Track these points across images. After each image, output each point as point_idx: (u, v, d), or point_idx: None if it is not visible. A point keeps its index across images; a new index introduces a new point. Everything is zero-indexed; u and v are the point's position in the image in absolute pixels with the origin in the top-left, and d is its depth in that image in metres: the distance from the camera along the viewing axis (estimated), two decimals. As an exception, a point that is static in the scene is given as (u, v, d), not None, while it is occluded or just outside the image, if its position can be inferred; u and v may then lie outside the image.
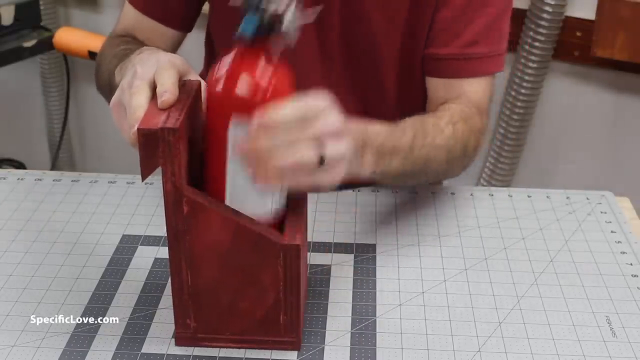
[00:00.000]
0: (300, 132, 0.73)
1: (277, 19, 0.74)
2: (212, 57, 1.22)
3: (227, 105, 0.76)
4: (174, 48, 1.18)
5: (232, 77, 0.75)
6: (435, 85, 1.12)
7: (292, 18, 0.74)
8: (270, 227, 0.80)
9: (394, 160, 0.93)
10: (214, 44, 1.20)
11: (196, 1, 1.16)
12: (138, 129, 0.74)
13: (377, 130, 0.91)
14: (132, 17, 1.16)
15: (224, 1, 1.08)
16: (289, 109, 0.74)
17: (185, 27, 1.17)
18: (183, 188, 0.76)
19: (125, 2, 1.17)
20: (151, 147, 0.75)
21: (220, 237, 0.78)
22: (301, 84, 1.11)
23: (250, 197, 0.79)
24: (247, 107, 0.75)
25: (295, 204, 0.84)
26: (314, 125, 0.74)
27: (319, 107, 0.75)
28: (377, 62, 1.12)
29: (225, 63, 0.77)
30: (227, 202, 0.78)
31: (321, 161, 0.75)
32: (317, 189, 0.78)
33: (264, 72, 0.76)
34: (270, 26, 0.74)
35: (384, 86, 1.14)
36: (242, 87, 0.75)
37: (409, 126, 0.98)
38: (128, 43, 1.09)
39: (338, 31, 1.09)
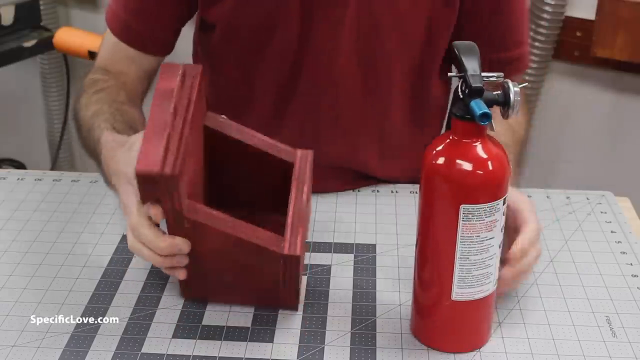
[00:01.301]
0: (534, 258, 0.88)
1: (504, 93, 0.76)
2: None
3: (458, 192, 0.75)
4: (148, 77, 1.16)
5: (463, 163, 0.75)
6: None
7: (515, 89, 0.75)
8: (272, 235, 0.81)
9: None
10: (215, 58, 1.15)
11: (178, 23, 1.14)
12: (136, 170, 0.74)
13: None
14: (109, 48, 1.15)
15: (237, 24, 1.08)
16: (530, 247, 0.86)
17: (165, 51, 1.15)
18: (183, 211, 0.77)
19: (105, 32, 1.15)
20: (150, 186, 0.75)
21: (222, 246, 0.80)
22: (313, 104, 1.11)
23: (476, 278, 0.79)
24: (479, 192, 0.75)
25: (298, 211, 0.83)
26: (537, 248, 0.88)
27: (537, 232, 0.88)
28: (388, 79, 1.11)
29: (447, 147, 0.76)
30: (454, 283, 0.79)
31: None
32: None
33: (489, 153, 0.76)
34: (496, 102, 0.76)
35: (392, 101, 1.14)
36: (475, 173, 0.75)
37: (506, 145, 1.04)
38: (99, 104, 1.07)
39: (351, 51, 1.08)
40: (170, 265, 0.83)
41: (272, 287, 0.85)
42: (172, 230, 0.79)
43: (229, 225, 0.79)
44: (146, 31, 1.12)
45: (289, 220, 0.82)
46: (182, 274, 0.84)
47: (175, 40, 1.15)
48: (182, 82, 0.79)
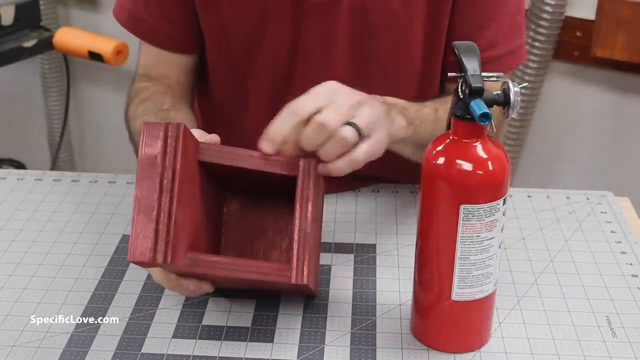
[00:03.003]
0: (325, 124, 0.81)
1: (505, 93, 0.75)
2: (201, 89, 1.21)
3: (458, 192, 0.75)
4: (187, 74, 1.15)
5: (463, 163, 0.75)
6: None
7: (515, 89, 0.75)
8: (279, 265, 0.82)
9: (423, 124, 0.96)
10: (208, 63, 1.15)
11: (193, 20, 1.11)
12: (129, 259, 0.74)
13: (394, 99, 0.95)
14: (145, 53, 1.15)
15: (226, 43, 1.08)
16: (303, 106, 0.82)
17: (189, 49, 1.13)
18: (184, 268, 0.77)
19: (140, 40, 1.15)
20: (146, 266, 0.78)
21: (230, 279, 0.81)
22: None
23: (476, 278, 0.79)
24: (479, 192, 0.75)
25: (303, 234, 0.83)
26: (331, 110, 0.82)
27: (328, 91, 0.83)
28: (384, 82, 1.10)
29: (447, 147, 0.76)
30: (454, 283, 0.79)
31: (359, 132, 0.83)
32: (373, 156, 0.85)
33: (489, 153, 0.76)
34: (496, 102, 0.76)
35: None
36: (475, 173, 0.75)
37: (429, 102, 1.02)
38: (146, 106, 1.08)
39: (345, 55, 1.08)
40: (185, 294, 0.87)
41: (287, 289, 0.87)
42: (180, 273, 0.81)
43: (232, 269, 0.79)
44: (168, 29, 1.10)
45: (295, 245, 0.81)
46: (197, 295, 0.86)
47: (199, 36, 1.13)
48: (164, 147, 0.77)
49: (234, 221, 0.91)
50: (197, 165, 0.83)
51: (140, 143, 0.77)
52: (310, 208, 0.83)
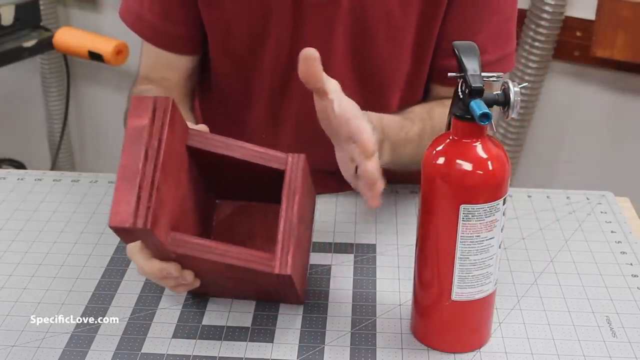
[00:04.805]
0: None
1: (505, 93, 0.75)
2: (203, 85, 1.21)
3: (458, 192, 0.75)
4: (189, 77, 1.15)
5: (463, 163, 0.75)
6: (444, 93, 1.12)
7: (515, 89, 0.75)
8: (263, 254, 0.80)
9: (407, 149, 0.98)
10: (211, 67, 1.15)
11: (197, 21, 1.11)
12: (109, 224, 0.73)
13: (391, 123, 0.96)
14: (147, 55, 1.15)
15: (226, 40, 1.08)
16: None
17: (192, 50, 1.14)
18: (166, 245, 0.76)
19: (142, 41, 1.15)
20: (127, 235, 0.77)
21: (214, 267, 0.80)
22: (308, 107, 1.11)
23: (476, 278, 0.79)
24: (479, 192, 0.75)
25: (289, 225, 0.82)
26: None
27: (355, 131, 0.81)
28: (383, 83, 1.11)
29: (447, 147, 0.76)
30: (454, 283, 0.79)
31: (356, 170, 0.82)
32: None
33: (489, 153, 0.76)
34: (496, 102, 0.76)
35: (389, 106, 1.14)
36: (475, 173, 0.75)
37: (418, 118, 1.03)
38: None
39: (344, 55, 1.08)
40: (169, 285, 0.84)
41: (273, 289, 0.85)
42: (162, 257, 0.80)
43: (216, 253, 0.78)
44: (174, 31, 1.11)
45: (280, 236, 0.80)
46: (181, 290, 0.85)
47: (203, 37, 1.13)
48: (152, 119, 0.78)
49: (223, 229, 0.90)
50: (186, 149, 0.82)
51: (129, 115, 0.77)
52: (297, 199, 0.82)
